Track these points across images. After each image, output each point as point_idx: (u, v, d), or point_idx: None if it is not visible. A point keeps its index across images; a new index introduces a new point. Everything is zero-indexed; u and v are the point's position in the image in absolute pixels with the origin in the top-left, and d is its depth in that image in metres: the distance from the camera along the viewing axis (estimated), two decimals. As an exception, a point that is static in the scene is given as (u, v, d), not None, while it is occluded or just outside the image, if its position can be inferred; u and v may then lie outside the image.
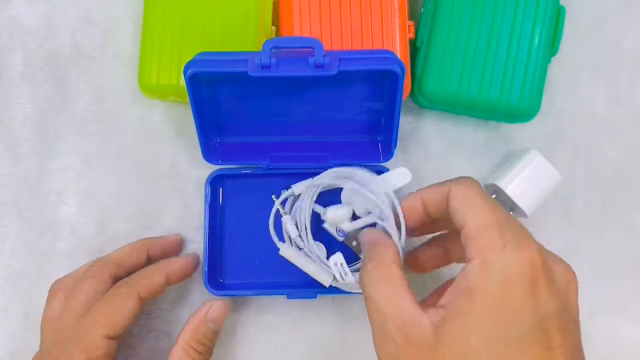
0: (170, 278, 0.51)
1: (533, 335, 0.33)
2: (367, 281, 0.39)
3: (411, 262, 0.48)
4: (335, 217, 0.51)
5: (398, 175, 0.49)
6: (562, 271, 0.36)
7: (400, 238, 0.45)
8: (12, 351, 0.56)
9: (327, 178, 0.52)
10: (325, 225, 0.53)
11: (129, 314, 0.47)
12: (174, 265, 0.52)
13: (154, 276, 0.50)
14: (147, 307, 0.56)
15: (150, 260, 0.53)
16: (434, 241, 0.48)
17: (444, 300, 0.36)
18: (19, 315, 0.56)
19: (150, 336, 0.55)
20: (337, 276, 0.49)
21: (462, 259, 0.39)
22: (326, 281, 0.51)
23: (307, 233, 0.52)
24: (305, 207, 0.53)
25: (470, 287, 0.34)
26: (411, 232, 0.46)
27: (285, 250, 0.52)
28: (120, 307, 0.47)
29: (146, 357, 0.55)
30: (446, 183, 0.40)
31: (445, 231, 0.48)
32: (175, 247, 0.56)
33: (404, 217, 0.44)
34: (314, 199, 0.53)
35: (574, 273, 0.37)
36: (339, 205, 0.52)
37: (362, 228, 0.50)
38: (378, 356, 0.38)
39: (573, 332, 0.35)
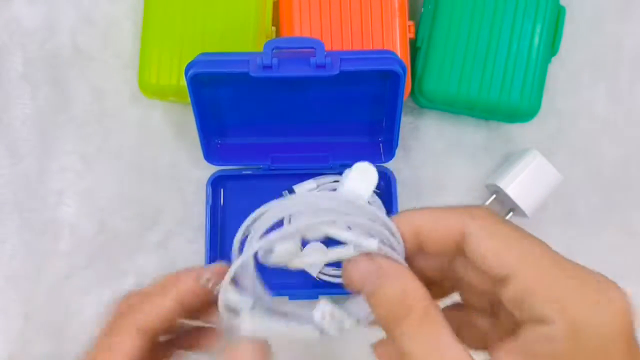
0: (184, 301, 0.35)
1: None
2: (397, 332, 0.28)
3: None
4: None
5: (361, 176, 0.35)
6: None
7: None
8: (12, 351, 0.55)
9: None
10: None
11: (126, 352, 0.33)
12: (186, 281, 0.35)
13: (156, 299, 0.35)
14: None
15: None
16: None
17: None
18: (19, 315, 0.56)
19: (150, 336, 0.55)
20: (332, 331, 0.31)
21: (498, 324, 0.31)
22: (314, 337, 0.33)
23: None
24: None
25: (557, 352, 0.26)
26: None
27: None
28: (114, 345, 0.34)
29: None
30: (461, 214, 0.29)
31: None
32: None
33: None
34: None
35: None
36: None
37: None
38: None
39: None
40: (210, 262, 0.53)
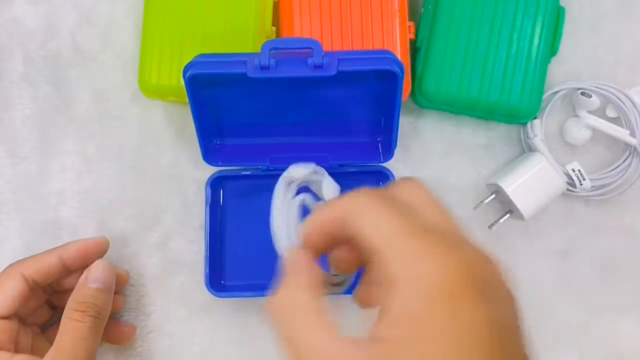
0: (66, 260, 0.50)
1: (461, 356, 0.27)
2: (272, 307, 0.33)
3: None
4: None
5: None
6: (492, 274, 0.30)
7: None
8: (13, 351, 0.56)
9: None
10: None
11: (11, 292, 0.47)
12: (70, 246, 0.51)
13: (44, 257, 0.50)
14: (147, 307, 0.56)
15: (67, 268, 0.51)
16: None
17: (373, 331, 0.29)
18: (20, 315, 0.56)
19: (150, 336, 0.56)
20: None
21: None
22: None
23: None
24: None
25: (390, 313, 0.28)
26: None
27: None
28: (2, 285, 0.48)
29: (147, 357, 0.55)
30: (343, 198, 0.33)
31: None
32: (96, 251, 0.52)
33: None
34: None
35: (500, 266, 0.31)
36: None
37: None
38: None
39: (511, 343, 0.29)
40: (210, 262, 0.53)
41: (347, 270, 0.37)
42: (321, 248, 0.35)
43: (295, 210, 0.41)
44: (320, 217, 0.34)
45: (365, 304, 0.37)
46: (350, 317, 0.56)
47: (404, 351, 0.27)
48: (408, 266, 0.28)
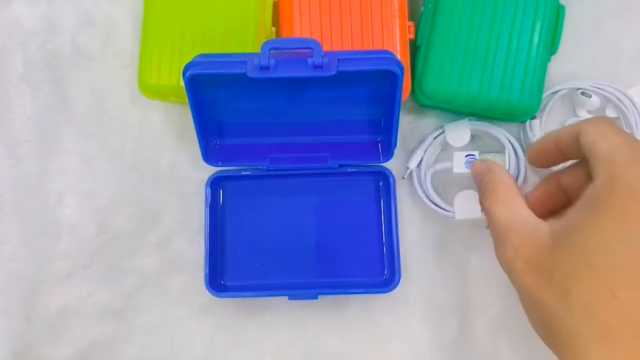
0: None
1: None
2: (487, 204, 0.41)
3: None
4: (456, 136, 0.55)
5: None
6: None
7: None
8: (13, 352, 0.56)
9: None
10: (455, 153, 0.54)
11: None
12: None
13: None
14: (147, 307, 0.56)
15: None
16: (545, 180, 0.46)
17: (567, 214, 0.36)
18: (20, 316, 0.56)
19: (150, 336, 0.56)
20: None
21: (579, 192, 0.39)
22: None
23: None
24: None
25: (594, 199, 0.34)
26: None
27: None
28: None
29: (147, 357, 0.55)
30: (577, 123, 0.40)
31: (559, 167, 0.46)
32: None
33: (536, 157, 0.45)
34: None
35: None
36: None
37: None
38: (500, 260, 0.39)
39: None
40: (210, 262, 0.53)
41: (548, 162, 0.45)
42: (539, 164, 0.45)
43: None
44: (556, 132, 0.42)
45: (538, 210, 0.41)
46: (350, 318, 0.56)
47: (602, 225, 0.34)
48: (631, 169, 0.34)
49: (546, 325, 0.36)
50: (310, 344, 0.56)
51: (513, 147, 0.55)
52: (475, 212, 0.52)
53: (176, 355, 0.56)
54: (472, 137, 0.56)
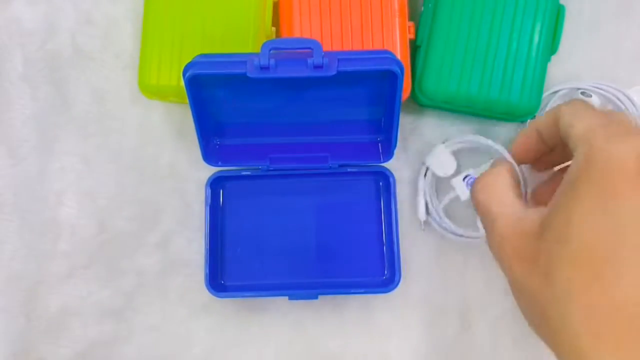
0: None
1: (636, 218, 0.31)
2: (476, 188, 0.40)
3: (534, 197, 0.46)
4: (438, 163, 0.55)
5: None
6: None
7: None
8: (13, 352, 0.56)
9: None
10: (453, 182, 0.55)
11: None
12: None
13: None
14: (147, 307, 0.56)
15: None
16: (553, 175, 0.45)
17: (551, 200, 0.36)
18: (20, 316, 0.56)
19: (150, 336, 0.56)
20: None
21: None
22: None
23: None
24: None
25: (573, 180, 0.34)
26: (533, 165, 0.45)
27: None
28: None
29: (146, 357, 0.55)
30: (555, 107, 0.40)
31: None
32: None
33: (522, 149, 0.44)
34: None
35: None
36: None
37: None
38: (491, 250, 0.38)
39: None
40: (210, 262, 0.53)
41: (541, 168, 0.45)
42: (526, 157, 0.43)
43: None
44: (534, 122, 0.42)
45: (540, 202, 0.40)
46: (350, 317, 0.56)
47: (583, 200, 0.33)
48: (606, 145, 0.33)
49: (535, 314, 0.35)
50: (310, 344, 0.56)
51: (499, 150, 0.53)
52: None
53: (176, 355, 0.56)
54: (459, 152, 0.56)
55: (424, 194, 0.56)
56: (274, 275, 0.55)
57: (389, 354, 0.55)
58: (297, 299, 0.53)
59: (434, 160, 0.55)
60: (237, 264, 0.55)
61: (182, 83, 0.47)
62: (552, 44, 0.55)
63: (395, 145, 0.52)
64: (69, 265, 0.56)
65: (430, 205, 0.55)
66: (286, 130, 0.54)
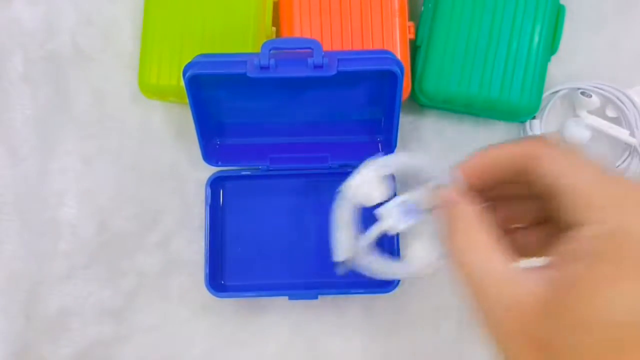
0: None
1: None
2: (456, 254, 0.33)
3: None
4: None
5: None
6: None
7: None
8: (13, 352, 0.56)
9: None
10: (382, 211, 0.40)
11: None
12: None
13: None
14: (147, 307, 0.56)
15: None
16: (538, 226, 0.37)
17: (551, 267, 0.30)
18: (20, 316, 0.56)
19: (150, 335, 0.56)
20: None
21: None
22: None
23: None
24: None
25: (589, 253, 0.28)
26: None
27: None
28: None
29: (147, 356, 0.55)
30: (528, 142, 0.33)
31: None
32: None
33: (471, 175, 0.36)
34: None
35: None
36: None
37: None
38: (483, 326, 0.32)
39: None
40: (210, 262, 0.53)
41: (521, 221, 0.37)
42: (477, 184, 0.35)
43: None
44: (496, 152, 0.34)
45: (527, 251, 0.36)
46: (350, 318, 0.56)
47: (606, 289, 0.27)
48: (632, 215, 0.28)
49: None
50: (310, 344, 0.56)
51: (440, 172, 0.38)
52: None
53: (176, 355, 0.56)
54: (390, 176, 0.41)
55: (345, 228, 0.40)
56: (274, 275, 0.55)
57: (389, 354, 0.55)
58: (297, 299, 0.53)
59: (358, 186, 0.40)
60: (237, 264, 0.55)
61: (182, 83, 0.47)
62: (552, 44, 0.55)
63: (395, 145, 0.52)
64: (69, 265, 0.56)
65: (353, 241, 0.40)
66: (286, 130, 0.54)
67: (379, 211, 0.40)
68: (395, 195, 0.39)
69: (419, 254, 0.40)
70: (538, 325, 0.28)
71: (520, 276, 0.30)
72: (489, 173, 0.35)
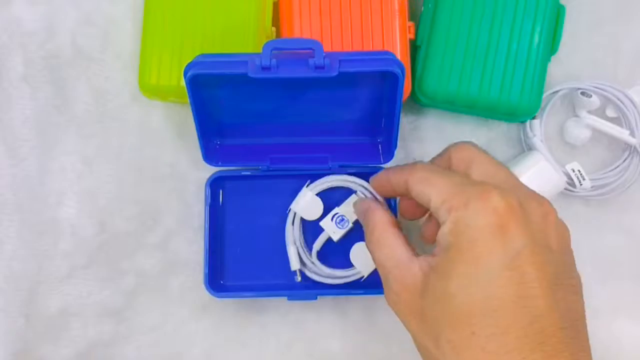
0: None
1: (503, 275, 0.35)
2: (370, 247, 0.43)
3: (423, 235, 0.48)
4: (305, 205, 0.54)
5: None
6: (536, 207, 0.38)
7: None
8: (13, 352, 0.56)
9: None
10: (322, 224, 0.54)
11: None
12: None
13: None
14: (147, 307, 0.56)
15: None
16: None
17: (432, 255, 0.39)
18: (20, 316, 0.56)
19: (150, 336, 0.56)
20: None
21: None
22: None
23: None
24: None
25: (445, 245, 0.37)
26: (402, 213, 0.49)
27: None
28: None
29: (146, 356, 0.55)
30: (405, 169, 0.42)
31: None
32: None
33: (379, 191, 0.48)
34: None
35: (549, 204, 0.39)
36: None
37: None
38: (389, 305, 0.41)
39: (551, 263, 0.36)
40: (210, 262, 0.53)
41: (414, 217, 0.48)
42: (386, 194, 0.48)
43: None
44: (389, 175, 0.45)
45: (429, 240, 0.44)
46: (350, 318, 0.56)
47: (457, 269, 0.36)
48: (466, 211, 0.37)
49: None
50: (310, 344, 0.56)
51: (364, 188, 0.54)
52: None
53: (176, 355, 0.56)
54: (324, 193, 0.55)
55: (294, 242, 0.54)
56: (273, 275, 0.55)
57: (388, 354, 0.55)
58: (296, 299, 0.53)
59: (300, 205, 0.54)
60: (236, 264, 0.55)
61: (183, 83, 0.47)
62: (552, 44, 0.55)
63: (395, 146, 0.52)
64: (69, 265, 0.56)
65: (301, 252, 0.54)
66: (286, 130, 0.54)
67: (320, 224, 0.53)
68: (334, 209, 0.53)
69: (357, 257, 0.53)
70: (418, 299, 0.38)
71: (413, 263, 0.39)
72: (387, 190, 0.45)
